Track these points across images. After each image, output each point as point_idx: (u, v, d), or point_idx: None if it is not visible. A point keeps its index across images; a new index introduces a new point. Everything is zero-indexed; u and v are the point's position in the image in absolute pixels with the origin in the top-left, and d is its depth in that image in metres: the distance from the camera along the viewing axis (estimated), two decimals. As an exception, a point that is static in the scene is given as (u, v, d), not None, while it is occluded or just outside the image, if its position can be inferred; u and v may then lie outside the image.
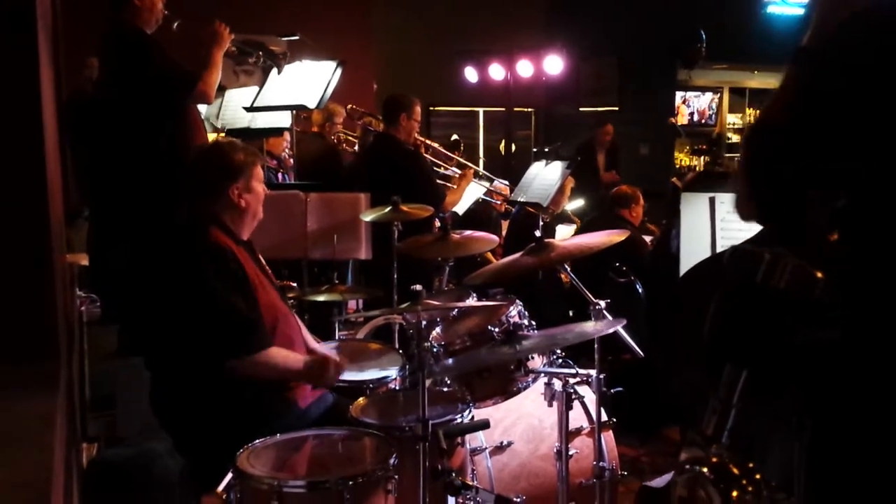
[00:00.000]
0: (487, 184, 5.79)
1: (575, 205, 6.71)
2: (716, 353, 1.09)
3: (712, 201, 2.64)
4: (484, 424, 2.41)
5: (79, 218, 5.03)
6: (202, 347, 2.52)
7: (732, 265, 1.05)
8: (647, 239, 5.26)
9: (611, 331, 2.51)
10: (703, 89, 10.84)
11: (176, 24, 3.96)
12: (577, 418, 2.82)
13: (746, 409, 1.05)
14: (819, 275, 1.00)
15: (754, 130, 1.27)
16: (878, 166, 1.09)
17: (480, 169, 6.51)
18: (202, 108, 4.50)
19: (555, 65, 8.49)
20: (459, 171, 5.42)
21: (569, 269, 2.83)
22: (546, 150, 5.78)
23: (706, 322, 1.09)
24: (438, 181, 5.17)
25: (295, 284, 4.01)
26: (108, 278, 4.05)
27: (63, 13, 5.14)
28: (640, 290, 4.17)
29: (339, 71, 4.64)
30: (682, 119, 10.66)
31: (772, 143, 1.18)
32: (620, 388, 2.97)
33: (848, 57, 1.14)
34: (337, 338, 3.60)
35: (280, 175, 5.45)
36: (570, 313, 4.52)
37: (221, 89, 5.01)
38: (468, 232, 3.54)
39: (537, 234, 2.76)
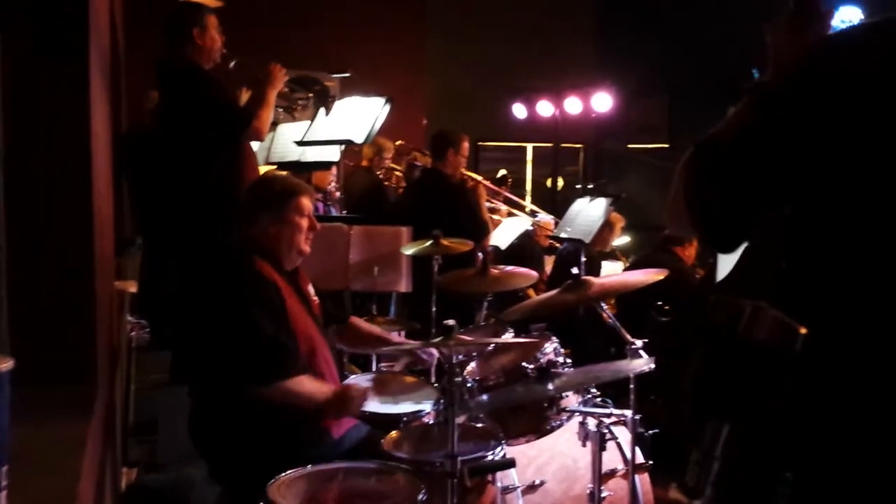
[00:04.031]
0: (532, 218, 5.80)
1: (621, 242, 6.66)
2: (698, 405, 1.08)
3: (748, 242, 2.60)
4: (509, 463, 2.38)
5: (132, 246, 5.17)
6: (229, 371, 2.56)
7: (714, 316, 1.05)
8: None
9: (645, 369, 2.48)
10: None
11: (233, 64, 4.07)
12: (612, 459, 2.77)
13: (729, 461, 1.04)
14: (802, 330, 1.00)
15: (701, 145, 1.28)
16: (829, 204, 1.12)
17: (527, 203, 6.53)
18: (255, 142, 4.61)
19: (603, 102, 8.52)
20: (505, 207, 5.43)
21: (606, 306, 2.82)
22: (590, 186, 5.78)
23: (688, 374, 1.09)
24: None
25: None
26: (158, 305, 4.14)
27: (127, 48, 5.37)
28: (683, 330, 4.10)
29: (387, 107, 4.71)
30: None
31: (718, 158, 1.20)
32: (657, 430, 2.92)
33: (805, 89, 1.17)
34: (374, 369, 3.62)
35: (322, 207, 5.53)
36: (612, 350, 4.46)
37: (273, 123, 5.14)
38: (508, 268, 3.54)
39: (574, 271, 2.75)
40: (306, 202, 2.80)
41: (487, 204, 5.61)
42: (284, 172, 4.70)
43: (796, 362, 1.04)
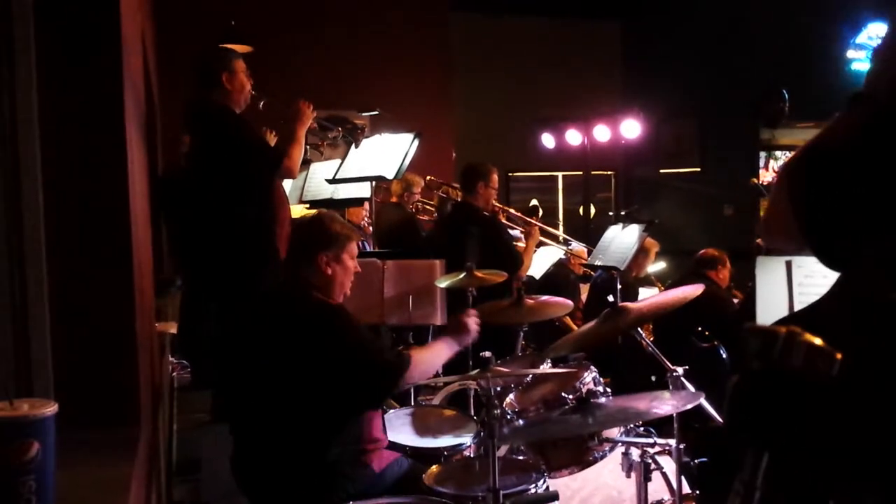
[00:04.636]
0: (565, 246, 5.77)
1: (657, 267, 6.60)
2: (734, 432, 1.05)
3: (789, 265, 2.55)
4: (552, 496, 2.34)
5: (171, 287, 5.24)
6: (360, 388, 2.59)
7: (748, 343, 1.02)
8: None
9: (689, 407, 2.42)
10: (788, 148, 10.60)
11: (262, 103, 4.13)
12: (658, 490, 2.71)
13: (770, 490, 1.01)
14: (838, 355, 0.97)
15: (813, 153, 1.25)
16: None
17: (560, 232, 6.50)
18: (287, 181, 4.66)
19: (632, 128, 8.52)
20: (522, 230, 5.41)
21: (644, 333, 2.78)
22: (623, 213, 5.75)
23: (724, 403, 1.06)
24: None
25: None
26: (199, 345, 4.17)
27: (160, 92, 5.51)
28: (723, 356, 4.04)
29: (416, 142, 4.75)
30: (767, 178, 10.42)
31: (835, 167, 1.18)
32: (705, 459, 2.85)
33: None
34: (413, 403, 3.60)
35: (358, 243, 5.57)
36: (653, 378, 4.39)
37: (306, 163, 5.20)
38: (543, 297, 3.52)
39: (610, 299, 2.73)
40: (355, 246, 2.86)
41: (515, 233, 5.59)
42: (336, 213, 4.74)
43: (835, 388, 1.01)
